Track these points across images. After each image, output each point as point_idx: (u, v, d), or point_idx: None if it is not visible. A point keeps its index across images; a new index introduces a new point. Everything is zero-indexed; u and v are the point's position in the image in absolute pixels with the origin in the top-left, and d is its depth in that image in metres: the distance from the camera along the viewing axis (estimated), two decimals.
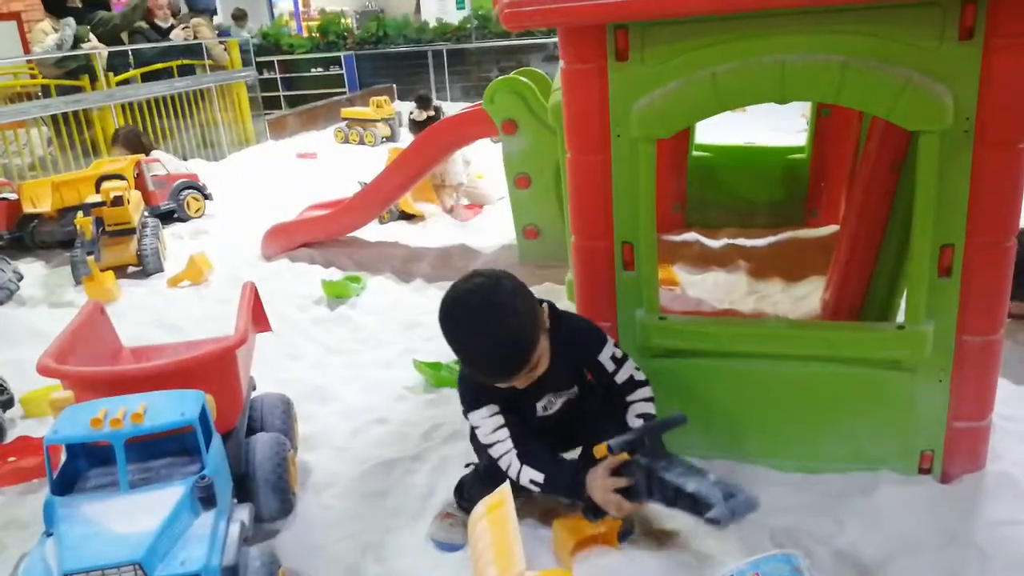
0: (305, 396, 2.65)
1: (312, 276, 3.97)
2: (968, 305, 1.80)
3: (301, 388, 2.70)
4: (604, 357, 1.78)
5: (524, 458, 1.67)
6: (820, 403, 1.96)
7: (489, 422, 1.70)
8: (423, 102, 6.33)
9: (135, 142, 5.71)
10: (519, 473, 1.67)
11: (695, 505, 1.50)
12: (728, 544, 1.75)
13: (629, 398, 1.78)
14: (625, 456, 1.61)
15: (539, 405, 1.78)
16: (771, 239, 3.92)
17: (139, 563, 1.45)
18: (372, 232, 4.71)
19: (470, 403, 1.73)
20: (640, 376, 1.79)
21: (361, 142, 8.62)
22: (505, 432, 1.69)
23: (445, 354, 2.87)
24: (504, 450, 1.68)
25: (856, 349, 1.90)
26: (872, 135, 2.26)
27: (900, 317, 2.12)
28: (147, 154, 5.61)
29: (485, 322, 1.58)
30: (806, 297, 3.16)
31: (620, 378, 1.78)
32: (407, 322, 3.37)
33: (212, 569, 1.50)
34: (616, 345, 1.81)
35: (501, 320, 1.57)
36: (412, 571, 1.78)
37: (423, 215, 5.05)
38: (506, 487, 1.35)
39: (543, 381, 1.73)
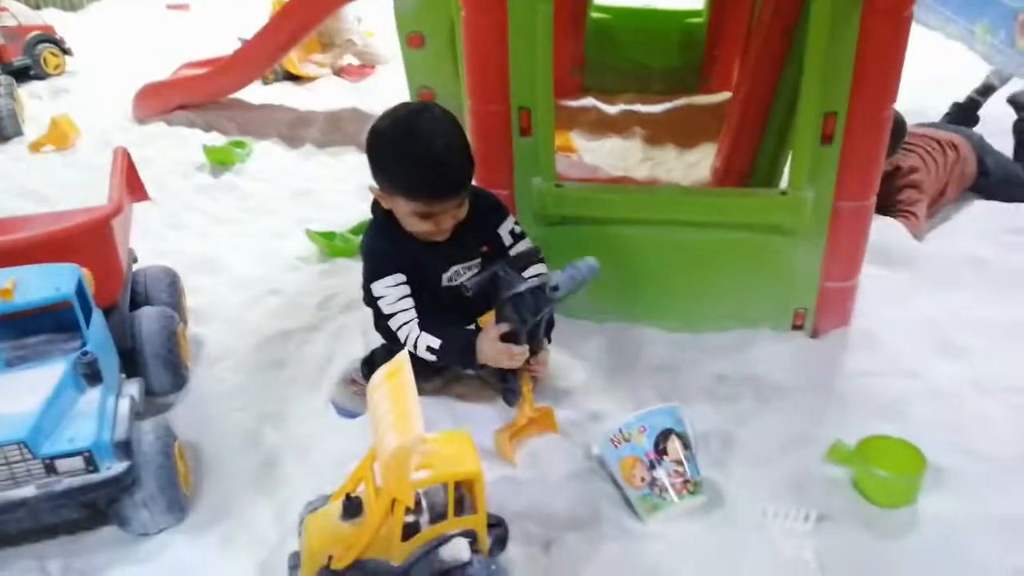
0: (192, 268, 2.54)
1: (192, 141, 3.73)
2: (846, 172, 1.88)
3: (187, 260, 2.59)
4: (503, 230, 1.80)
5: (423, 326, 1.68)
6: (707, 266, 2.05)
7: (393, 291, 1.68)
8: None
9: None
10: (417, 340, 1.67)
11: (546, 294, 1.60)
12: (619, 401, 1.85)
13: (525, 273, 1.77)
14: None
15: (444, 276, 1.76)
16: (667, 105, 3.95)
17: (23, 441, 1.41)
18: (256, 94, 4.43)
19: (375, 272, 1.69)
20: (536, 253, 1.80)
21: None
22: (409, 302, 1.68)
23: (339, 223, 2.82)
24: (406, 319, 1.68)
25: (742, 215, 1.98)
26: (767, 0, 2.26)
27: (783, 183, 2.21)
28: None
29: (440, 130, 1.59)
30: (698, 164, 3.24)
31: (517, 251, 1.79)
32: (297, 190, 3.26)
33: (103, 444, 1.47)
34: (516, 222, 1.82)
35: (454, 132, 1.61)
36: (311, 438, 1.80)
37: (311, 77, 4.78)
38: (404, 354, 1.36)
39: (448, 251, 1.73)
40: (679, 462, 1.54)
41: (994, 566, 1.41)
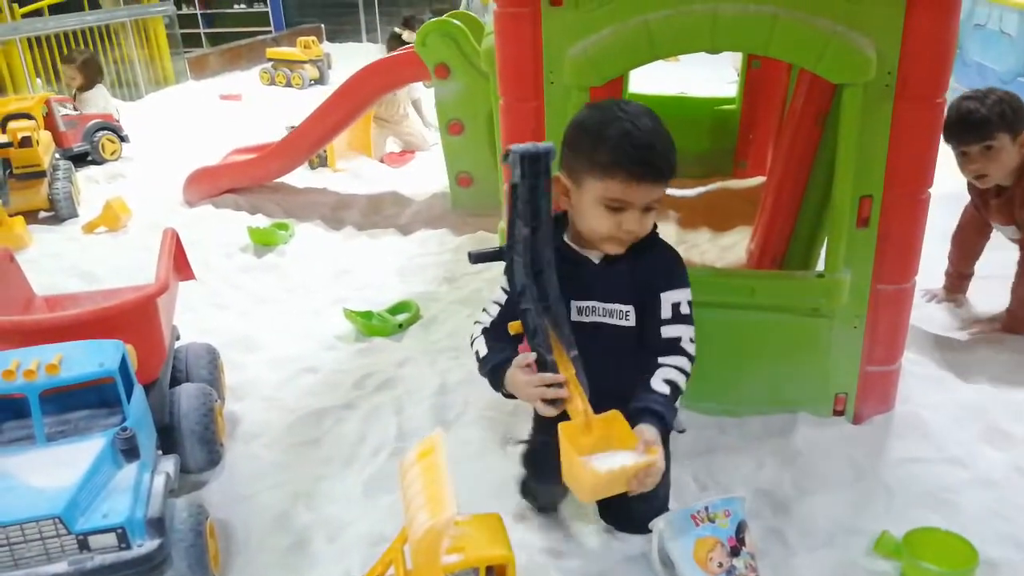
0: (232, 346, 2.59)
1: (238, 223, 3.85)
2: (883, 255, 1.87)
3: (228, 337, 2.64)
4: (667, 298, 1.52)
5: (486, 331, 1.57)
6: (744, 349, 2.03)
7: (500, 292, 1.57)
8: (410, 23, 6.00)
9: (94, 69, 5.58)
10: (474, 341, 1.58)
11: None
12: None
13: (662, 359, 1.50)
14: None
15: (576, 305, 1.55)
16: (701, 189, 3.99)
17: (59, 517, 1.41)
18: (300, 178, 4.59)
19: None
20: (689, 347, 1.52)
21: (288, 84, 8.32)
22: (497, 308, 1.58)
23: (376, 303, 2.86)
24: (482, 320, 1.59)
25: (778, 297, 1.96)
26: (799, 88, 2.30)
27: (820, 266, 2.20)
28: (100, 79, 5.65)
29: (646, 112, 1.49)
30: (733, 247, 3.24)
31: (667, 332, 1.52)
32: (337, 270, 3.32)
33: (136, 521, 1.47)
34: (690, 302, 1.55)
35: (660, 120, 1.51)
36: (343, 518, 1.78)
37: (341, 171, 4.87)
38: (438, 435, 1.36)
39: (596, 279, 1.55)
40: (754, 556, 1.50)
41: None
